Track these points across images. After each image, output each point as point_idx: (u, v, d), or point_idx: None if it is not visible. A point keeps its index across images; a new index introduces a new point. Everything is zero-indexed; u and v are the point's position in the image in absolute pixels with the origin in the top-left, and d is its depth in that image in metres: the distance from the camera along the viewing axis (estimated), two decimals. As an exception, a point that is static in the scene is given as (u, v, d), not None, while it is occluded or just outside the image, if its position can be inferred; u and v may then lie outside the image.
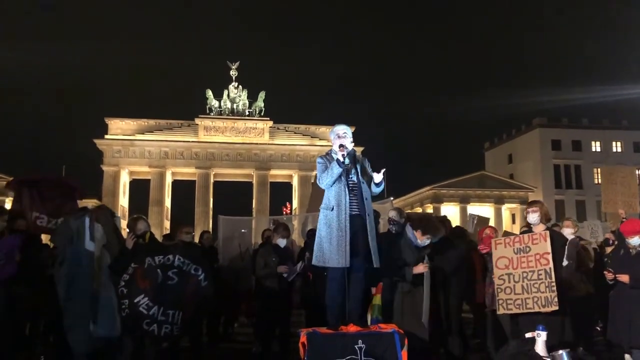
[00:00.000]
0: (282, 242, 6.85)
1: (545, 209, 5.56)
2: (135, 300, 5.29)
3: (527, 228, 5.86)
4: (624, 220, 7.17)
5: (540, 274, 5.22)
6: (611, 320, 5.70)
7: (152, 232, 6.07)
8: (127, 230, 6.07)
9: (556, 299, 5.11)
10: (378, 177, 4.72)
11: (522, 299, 5.26)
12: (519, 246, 5.42)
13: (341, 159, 4.52)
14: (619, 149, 50.33)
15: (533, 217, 5.51)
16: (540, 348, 4.51)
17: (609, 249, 7.37)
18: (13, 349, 5.76)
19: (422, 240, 5.46)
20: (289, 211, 13.93)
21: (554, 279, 5.15)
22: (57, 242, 5.72)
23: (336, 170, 4.51)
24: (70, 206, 6.94)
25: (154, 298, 5.33)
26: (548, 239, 5.30)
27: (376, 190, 4.81)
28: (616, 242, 6.87)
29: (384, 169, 4.76)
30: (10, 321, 5.64)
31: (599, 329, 8.06)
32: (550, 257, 5.24)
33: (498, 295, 5.44)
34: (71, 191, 7.25)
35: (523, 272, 5.33)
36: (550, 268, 5.20)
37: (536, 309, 5.18)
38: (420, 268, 5.27)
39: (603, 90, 62.99)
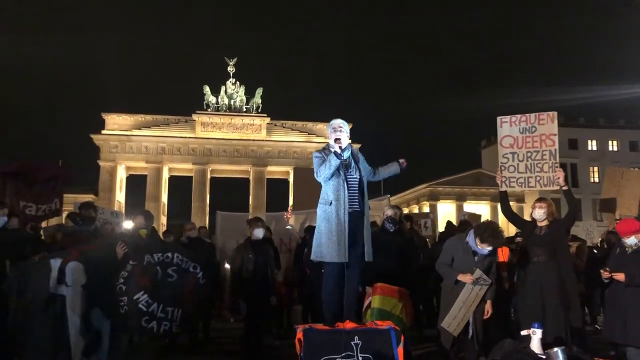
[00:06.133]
0: (258, 233, 6.76)
1: (552, 207, 5.47)
2: (135, 297, 5.31)
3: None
4: (617, 220, 7.21)
5: (545, 155, 5.29)
6: (607, 318, 5.75)
7: (154, 228, 6.03)
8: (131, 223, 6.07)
9: (559, 179, 5.19)
10: (402, 162, 4.97)
11: (525, 177, 5.37)
12: (525, 125, 5.47)
13: (338, 151, 4.45)
14: (615, 148, 50.38)
15: (539, 212, 5.42)
16: (535, 346, 4.52)
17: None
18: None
19: (482, 247, 4.91)
20: (290, 215, 13.70)
21: (557, 160, 5.21)
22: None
23: (334, 162, 4.41)
24: (53, 189, 6.94)
25: (153, 295, 5.35)
26: (555, 120, 5.35)
27: (384, 176, 5.04)
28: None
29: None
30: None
31: (598, 327, 8.13)
32: (556, 138, 5.30)
33: (502, 173, 5.53)
34: (53, 175, 7.22)
35: (527, 152, 5.39)
36: (555, 149, 5.25)
37: (538, 188, 5.32)
38: (466, 278, 4.93)
39: (600, 89, 62.75)
